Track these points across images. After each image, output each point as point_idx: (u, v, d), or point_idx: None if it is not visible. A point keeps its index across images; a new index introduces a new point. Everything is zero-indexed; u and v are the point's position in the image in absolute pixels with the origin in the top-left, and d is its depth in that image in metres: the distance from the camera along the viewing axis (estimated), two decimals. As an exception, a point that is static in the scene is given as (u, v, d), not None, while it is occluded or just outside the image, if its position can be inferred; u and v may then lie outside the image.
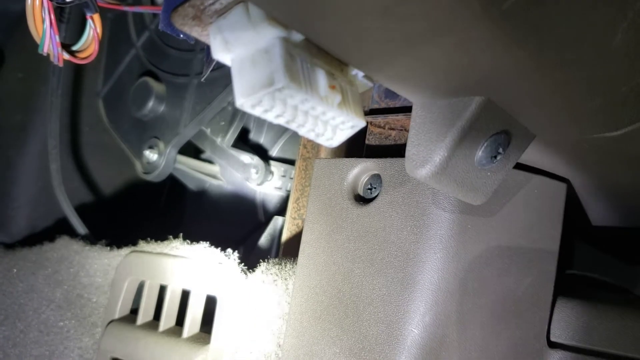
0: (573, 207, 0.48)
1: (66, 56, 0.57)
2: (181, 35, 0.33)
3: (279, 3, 0.24)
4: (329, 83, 0.29)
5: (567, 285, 0.48)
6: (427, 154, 0.33)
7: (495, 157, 0.34)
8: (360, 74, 0.32)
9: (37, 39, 0.53)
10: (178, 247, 0.65)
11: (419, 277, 0.40)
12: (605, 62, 0.28)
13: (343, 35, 0.26)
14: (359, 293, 0.43)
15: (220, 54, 0.29)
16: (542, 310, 0.46)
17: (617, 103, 0.31)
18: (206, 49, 0.33)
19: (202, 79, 0.78)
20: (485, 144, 0.33)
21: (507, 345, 0.44)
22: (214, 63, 0.32)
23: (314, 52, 0.29)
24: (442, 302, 0.40)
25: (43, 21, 0.51)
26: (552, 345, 0.47)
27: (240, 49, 0.28)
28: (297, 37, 0.28)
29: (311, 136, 0.32)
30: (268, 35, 0.27)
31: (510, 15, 0.23)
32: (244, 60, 0.28)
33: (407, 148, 0.34)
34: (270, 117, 0.29)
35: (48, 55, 0.55)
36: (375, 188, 0.46)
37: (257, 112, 0.28)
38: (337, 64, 0.31)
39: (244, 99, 0.28)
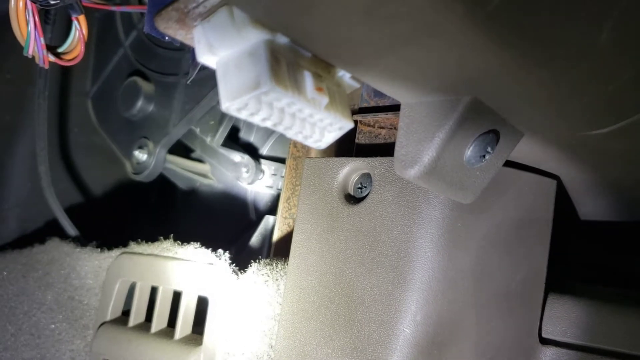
0: (563, 202, 0.48)
1: (52, 58, 0.56)
2: (166, 38, 0.32)
3: (262, 6, 0.24)
4: (315, 85, 0.29)
5: (558, 281, 0.48)
6: (415, 154, 0.33)
7: (484, 156, 0.34)
8: (348, 74, 0.32)
9: (22, 41, 0.52)
10: (169, 248, 0.64)
11: (410, 276, 0.40)
12: (591, 61, 0.28)
13: (327, 38, 0.26)
14: (350, 293, 0.43)
15: (205, 57, 0.29)
16: (534, 307, 0.46)
17: (604, 101, 0.31)
18: (191, 51, 0.33)
19: (188, 82, 0.78)
20: (473, 143, 0.33)
21: (498, 342, 0.44)
22: (199, 66, 0.32)
23: (299, 54, 0.29)
24: (434, 301, 0.40)
25: (27, 23, 0.51)
26: (544, 341, 0.47)
27: (225, 52, 0.28)
28: (283, 39, 0.28)
29: (299, 138, 0.31)
30: (253, 38, 0.27)
31: (495, 17, 0.23)
32: (229, 63, 0.28)
33: (396, 149, 0.33)
34: (256, 120, 0.29)
35: (33, 57, 0.55)
36: (365, 187, 0.46)
37: (243, 115, 0.28)
38: (323, 66, 0.31)
39: (229, 103, 0.27)
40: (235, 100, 0.27)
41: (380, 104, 0.49)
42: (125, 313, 0.67)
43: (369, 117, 0.49)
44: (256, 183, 0.79)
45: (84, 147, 0.95)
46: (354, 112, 0.50)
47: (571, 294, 0.47)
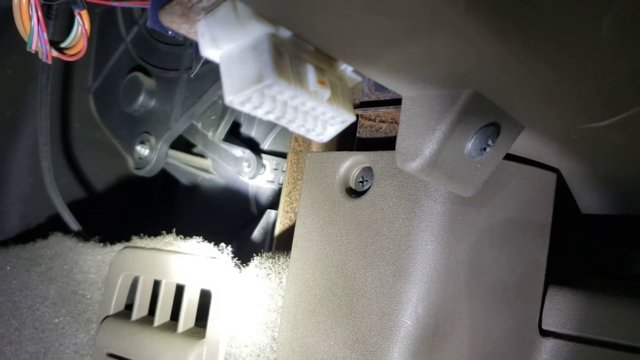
0: (563, 196, 0.49)
1: (55, 53, 0.56)
2: (170, 32, 0.33)
3: (265, 0, 0.24)
4: (318, 78, 0.29)
5: (558, 273, 0.48)
6: (417, 147, 0.33)
7: (485, 149, 0.34)
8: (350, 68, 0.32)
9: (25, 37, 0.53)
10: (171, 242, 0.65)
11: (411, 268, 0.41)
12: (591, 55, 0.28)
13: (330, 31, 0.26)
14: (352, 285, 0.44)
15: (209, 51, 0.29)
16: (534, 299, 0.47)
17: (604, 94, 0.31)
18: (194, 46, 0.33)
19: (192, 75, 0.78)
20: (474, 136, 0.34)
21: (499, 335, 0.45)
22: (202, 60, 0.32)
23: (302, 47, 0.29)
24: (434, 293, 0.41)
25: (30, 18, 0.51)
26: (544, 333, 0.47)
27: (229, 45, 0.28)
28: (285, 32, 0.28)
29: (301, 132, 0.32)
30: (256, 32, 0.27)
31: (497, 10, 0.23)
32: (232, 57, 0.28)
33: (397, 142, 0.34)
34: (260, 113, 0.29)
35: (36, 52, 0.55)
36: (366, 181, 0.46)
37: (246, 108, 0.28)
38: (325, 59, 0.31)
39: (232, 96, 0.28)
40: (239, 94, 0.27)
41: (382, 98, 0.49)
42: (128, 307, 0.68)
43: (370, 111, 0.49)
44: (257, 178, 0.79)
45: (86, 143, 0.96)
46: (355, 107, 0.50)
47: (571, 286, 0.47)
